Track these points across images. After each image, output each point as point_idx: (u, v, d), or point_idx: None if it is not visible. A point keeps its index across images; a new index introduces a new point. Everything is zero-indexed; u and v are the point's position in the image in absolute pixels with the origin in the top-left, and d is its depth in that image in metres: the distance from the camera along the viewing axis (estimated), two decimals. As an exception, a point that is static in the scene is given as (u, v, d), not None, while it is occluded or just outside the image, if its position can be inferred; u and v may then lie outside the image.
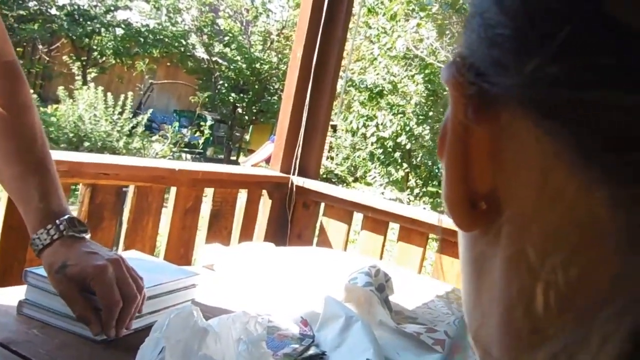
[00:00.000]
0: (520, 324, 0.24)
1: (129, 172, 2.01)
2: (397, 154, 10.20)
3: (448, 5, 6.91)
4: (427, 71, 9.28)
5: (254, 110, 12.20)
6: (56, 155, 1.81)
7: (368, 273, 1.50)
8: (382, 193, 10.71)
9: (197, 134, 9.45)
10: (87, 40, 10.70)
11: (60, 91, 6.92)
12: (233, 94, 11.63)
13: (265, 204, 2.74)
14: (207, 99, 11.37)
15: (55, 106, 7.17)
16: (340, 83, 9.07)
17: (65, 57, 9.95)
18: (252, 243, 2.02)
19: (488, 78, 0.23)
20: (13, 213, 1.62)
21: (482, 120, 0.24)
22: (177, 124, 8.79)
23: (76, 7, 10.47)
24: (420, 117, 9.63)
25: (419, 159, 10.34)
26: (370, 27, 9.87)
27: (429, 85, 9.39)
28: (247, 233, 2.59)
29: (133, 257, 1.26)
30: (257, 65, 11.78)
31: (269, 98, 12.26)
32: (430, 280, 2.24)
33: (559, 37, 0.20)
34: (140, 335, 1.03)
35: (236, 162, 12.25)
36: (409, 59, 9.51)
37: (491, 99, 0.23)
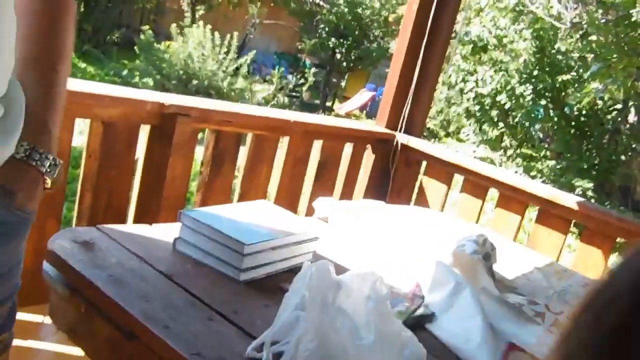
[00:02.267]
0: None
1: (248, 120, 2.14)
2: (494, 112, 9.89)
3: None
4: (536, 26, 8.80)
5: (352, 57, 12.15)
6: (187, 101, 1.96)
7: (476, 241, 1.56)
8: (474, 151, 10.49)
9: (302, 80, 9.59)
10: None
11: (172, 28, 7.23)
12: (333, 39, 11.62)
13: (368, 159, 2.81)
14: (311, 46, 11.45)
15: (167, 43, 7.52)
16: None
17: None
18: (364, 200, 2.11)
19: None
20: (152, 152, 1.79)
21: None
22: (282, 68, 8.95)
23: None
24: (524, 75, 9.22)
25: (516, 119, 9.97)
26: (479, -22, 9.44)
27: (537, 42, 8.93)
28: (349, 185, 2.68)
29: (264, 207, 1.38)
30: (359, 10, 11.64)
31: (368, 45, 12.15)
32: (529, 252, 2.25)
33: None
34: (273, 279, 1.16)
35: (331, 108, 12.34)
36: (518, 12, 9.05)
37: None
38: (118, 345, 0.91)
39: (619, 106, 9.88)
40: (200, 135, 2.10)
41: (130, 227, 1.19)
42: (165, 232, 1.20)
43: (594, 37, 7.37)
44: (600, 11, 6.93)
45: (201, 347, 0.85)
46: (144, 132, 1.80)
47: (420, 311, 1.25)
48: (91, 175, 1.65)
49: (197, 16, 8.87)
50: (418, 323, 1.20)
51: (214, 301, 0.99)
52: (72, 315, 0.97)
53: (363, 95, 11.69)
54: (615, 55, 5.26)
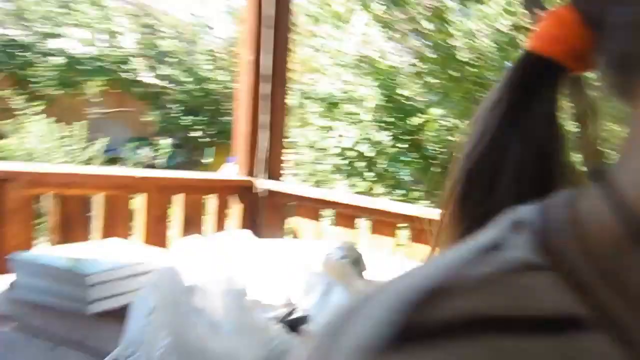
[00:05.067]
0: None
1: (93, 180, 2.01)
2: (362, 164, 10.21)
3: (391, 2, 6.99)
4: (379, 76, 9.37)
5: (211, 133, 12.13)
6: (15, 166, 1.81)
7: (342, 248, 1.55)
8: (348, 203, 10.68)
9: (157, 152, 9.38)
10: (25, 71, 10.22)
11: (7, 125, 6.72)
12: (187, 117, 11.52)
13: (234, 208, 2.76)
14: (160, 122, 11.26)
15: (1, 141, 6.96)
16: (295, 97, 9.14)
17: (5, 92, 9.45)
18: (229, 231, 2.03)
19: None
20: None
21: None
22: (133, 145, 8.70)
23: (10, 39, 10.02)
24: (380, 123, 9.69)
25: (383, 166, 10.37)
26: (316, 36, 9.95)
27: (384, 90, 9.47)
28: (218, 237, 2.59)
29: (114, 243, 1.28)
30: (208, 86, 11.70)
31: (223, 118, 12.18)
32: (405, 260, 2.29)
33: None
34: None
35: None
36: (360, 62, 9.60)
37: None
38: None
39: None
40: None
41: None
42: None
43: (430, 79, 8.01)
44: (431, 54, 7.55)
45: (36, 378, 0.73)
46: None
47: (294, 315, 1.19)
48: None
49: (33, 112, 8.27)
50: (292, 327, 1.15)
51: (58, 333, 0.87)
52: None
53: (227, 169, 11.65)
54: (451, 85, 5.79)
